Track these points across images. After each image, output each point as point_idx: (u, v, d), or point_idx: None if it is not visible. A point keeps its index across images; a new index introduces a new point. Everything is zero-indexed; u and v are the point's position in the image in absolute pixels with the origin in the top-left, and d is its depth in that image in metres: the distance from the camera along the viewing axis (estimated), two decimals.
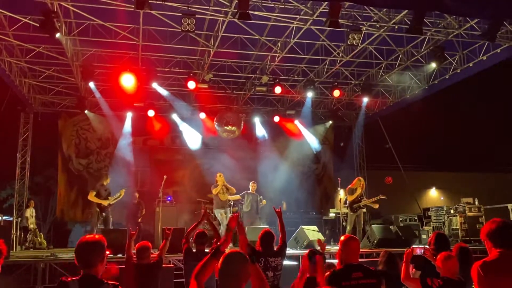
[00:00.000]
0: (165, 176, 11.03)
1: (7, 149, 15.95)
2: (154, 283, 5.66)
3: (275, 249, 5.39)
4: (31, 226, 13.24)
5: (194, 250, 6.13)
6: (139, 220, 12.26)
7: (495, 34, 9.83)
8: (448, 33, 11.34)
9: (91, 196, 10.61)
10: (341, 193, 12.67)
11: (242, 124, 15.29)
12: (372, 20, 10.71)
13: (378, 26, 10.90)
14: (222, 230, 10.11)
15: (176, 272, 7.57)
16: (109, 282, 2.96)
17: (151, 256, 5.89)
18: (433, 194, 28.47)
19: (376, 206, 11.16)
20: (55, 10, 9.58)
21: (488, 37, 9.95)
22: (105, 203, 10.71)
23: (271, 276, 5.01)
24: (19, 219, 13.26)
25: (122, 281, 5.61)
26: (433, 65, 12.53)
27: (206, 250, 6.11)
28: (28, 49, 12.21)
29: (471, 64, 12.57)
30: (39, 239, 13.21)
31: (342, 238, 4.00)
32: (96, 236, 3.10)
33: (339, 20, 9.52)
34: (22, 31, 11.00)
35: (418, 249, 4.44)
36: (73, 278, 2.92)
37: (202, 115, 15.46)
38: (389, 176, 15.21)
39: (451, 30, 11.18)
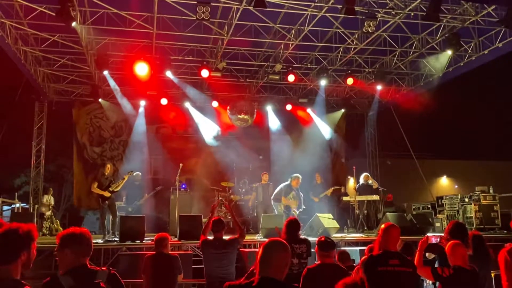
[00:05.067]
0: (181, 164, 11.08)
1: (21, 138, 16.14)
2: (171, 273, 5.66)
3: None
4: (48, 213, 13.46)
5: (211, 238, 6.02)
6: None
7: None
8: (464, 20, 11.20)
9: (94, 188, 10.10)
10: (352, 181, 12.71)
11: (255, 112, 15.28)
12: (387, 7, 10.61)
13: (393, 13, 10.79)
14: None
15: (194, 258, 7.66)
16: (101, 268, 2.95)
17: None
18: (444, 182, 28.37)
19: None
20: None
21: (505, 23, 9.83)
22: (107, 194, 10.11)
23: (297, 263, 5.04)
24: (36, 206, 13.44)
25: (142, 269, 5.69)
26: (449, 52, 12.40)
27: (225, 238, 5.97)
28: (43, 38, 12.26)
29: (486, 51, 12.43)
30: (55, 225, 13.44)
31: (383, 226, 4.06)
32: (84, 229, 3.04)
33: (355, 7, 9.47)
34: (37, 20, 11.08)
35: (433, 237, 4.43)
36: (62, 273, 2.84)
37: (215, 104, 15.47)
38: (390, 194, 15.28)
39: (467, 17, 11.04)
